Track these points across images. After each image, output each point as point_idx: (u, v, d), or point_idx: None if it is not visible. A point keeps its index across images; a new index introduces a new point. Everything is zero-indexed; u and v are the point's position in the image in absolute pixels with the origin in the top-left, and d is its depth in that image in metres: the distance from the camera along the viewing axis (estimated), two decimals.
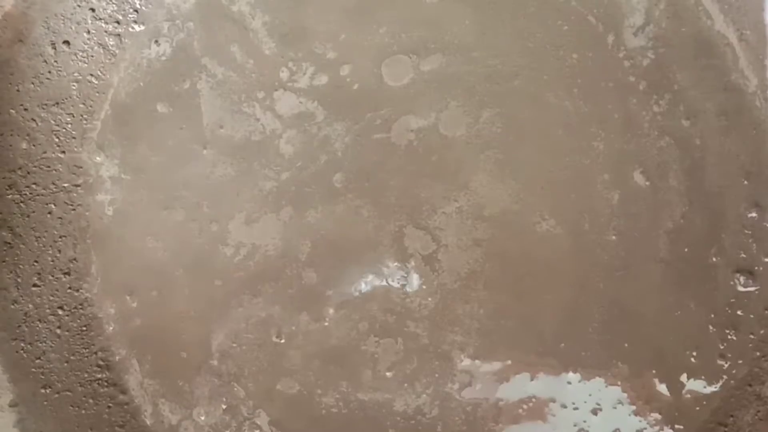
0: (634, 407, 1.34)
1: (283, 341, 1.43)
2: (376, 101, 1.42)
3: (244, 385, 1.44)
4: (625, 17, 1.37)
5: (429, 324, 1.40)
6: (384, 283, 1.40)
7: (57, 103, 1.47)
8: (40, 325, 1.47)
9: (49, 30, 1.48)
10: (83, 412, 1.47)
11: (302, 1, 1.45)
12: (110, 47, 1.48)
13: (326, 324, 1.41)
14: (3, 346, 1.47)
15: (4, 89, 1.47)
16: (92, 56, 1.49)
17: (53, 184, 1.47)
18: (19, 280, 1.47)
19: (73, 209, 1.47)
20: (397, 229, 1.40)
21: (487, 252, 1.39)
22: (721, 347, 1.33)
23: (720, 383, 1.33)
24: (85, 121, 1.48)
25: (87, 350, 1.48)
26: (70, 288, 1.47)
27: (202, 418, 1.45)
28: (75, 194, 1.47)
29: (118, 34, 1.48)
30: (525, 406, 1.37)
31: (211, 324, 1.45)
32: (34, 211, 1.47)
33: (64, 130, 1.48)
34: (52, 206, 1.47)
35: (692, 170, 1.35)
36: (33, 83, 1.46)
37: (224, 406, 1.45)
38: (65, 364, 1.47)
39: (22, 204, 1.47)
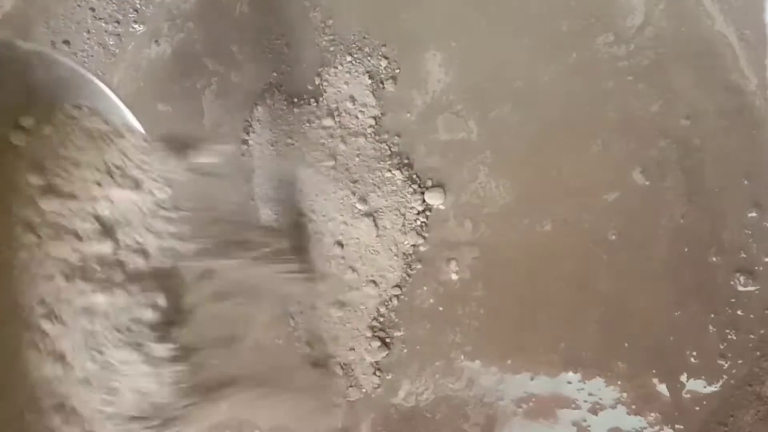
0: (634, 407, 1.34)
1: (281, 342, 1.43)
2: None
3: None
4: (625, 17, 1.37)
5: (429, 324, 1.40)
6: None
7: None
8: None
9: (49, 29, 1.48)
10: None
11: (302, 2, 1.45)
12: (110, 47, 1.48)
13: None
14: None
15: None
16: (92, 56, 1.49)
17: None
18: None
19: None
20: None
21: (487, 252, 1.39)
22: (721, 347, 1.33)
23: (720, 383, 1.33)
24: None
25: None
26: None
27: None
28: None
29: (118, 34, 1.48)
30: (525, 406, 1.37)
31: None
32: None
33: None
34: None
35: (692, 170, 1.35)
36: None
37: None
38: None
39: None
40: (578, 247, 1.37)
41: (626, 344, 1.35)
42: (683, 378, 1.34)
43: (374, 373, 1.40)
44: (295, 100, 1.43)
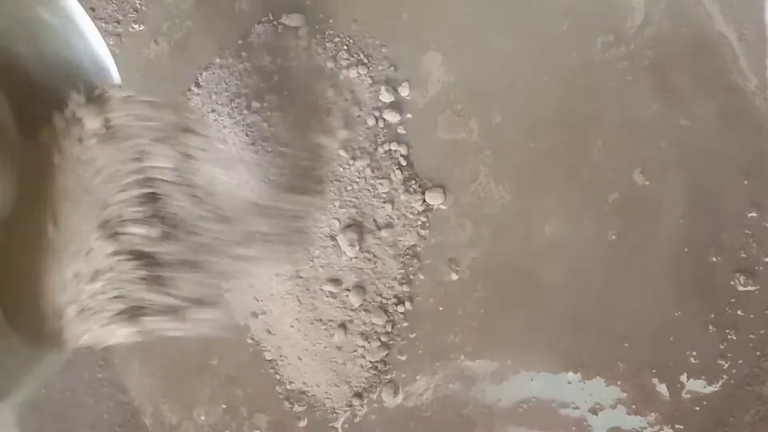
0: (634, 407, 1.34)
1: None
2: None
3: (243, 386, 1.44)
4: (625, 17, 1.37)
5: (429, 324, 1.40)
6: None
7: None
8: None
9: None
10: (83, 412, 1.47)
11: (302, 1, 1.45)
12: (110, 47, 1.48)
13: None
14: None
15: None
16: None
17: None
18: None
19: None
20: None
21: (487, 252, 1.39)
22: (721, 347, 1.33)
23: (720, 383, 1.33)
24: None
25: (87, 350, 1.47)
26: None
27: (202, 418, 1.45)
28: None
29: (118, 34, 1.48)
30: (525, 406, 1.37)
31: None
32: None
33: None
34: None
35: (692, 170, 1.35)
36: None
37: (224, 406, 1.45)
38: (65, 364, 1.47)
39: None
40: (578, 247, 1.37)
41: (626, 344, 1.35)
42: (683, 378, 1.34)
43: (374, 374, 1.40)
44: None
